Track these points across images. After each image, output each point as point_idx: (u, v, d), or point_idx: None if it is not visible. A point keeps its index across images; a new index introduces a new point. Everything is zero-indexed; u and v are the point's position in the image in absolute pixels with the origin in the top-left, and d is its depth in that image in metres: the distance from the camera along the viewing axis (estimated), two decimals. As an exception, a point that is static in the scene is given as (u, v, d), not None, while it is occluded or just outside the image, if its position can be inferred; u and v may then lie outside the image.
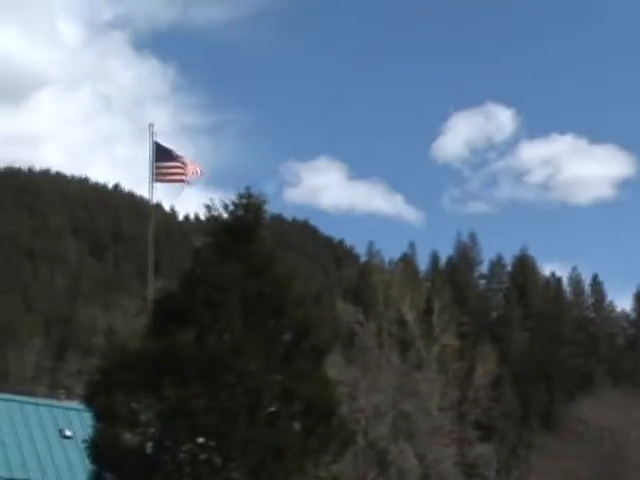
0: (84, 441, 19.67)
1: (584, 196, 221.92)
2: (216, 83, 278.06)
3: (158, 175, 28.03)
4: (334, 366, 55.98)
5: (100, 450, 18.94)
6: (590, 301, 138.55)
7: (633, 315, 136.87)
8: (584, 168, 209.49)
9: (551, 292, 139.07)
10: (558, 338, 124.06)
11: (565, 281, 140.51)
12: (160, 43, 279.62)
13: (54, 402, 33.54)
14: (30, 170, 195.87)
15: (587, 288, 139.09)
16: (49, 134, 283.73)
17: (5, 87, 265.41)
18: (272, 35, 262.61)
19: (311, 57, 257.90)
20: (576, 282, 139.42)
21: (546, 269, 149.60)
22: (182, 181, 28.80)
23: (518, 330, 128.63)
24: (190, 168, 28.17)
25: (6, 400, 28.97)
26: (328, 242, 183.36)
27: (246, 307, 19.05)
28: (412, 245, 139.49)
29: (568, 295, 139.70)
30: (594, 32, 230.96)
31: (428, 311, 71.33)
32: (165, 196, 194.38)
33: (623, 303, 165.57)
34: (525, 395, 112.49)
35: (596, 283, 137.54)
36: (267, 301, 19.31)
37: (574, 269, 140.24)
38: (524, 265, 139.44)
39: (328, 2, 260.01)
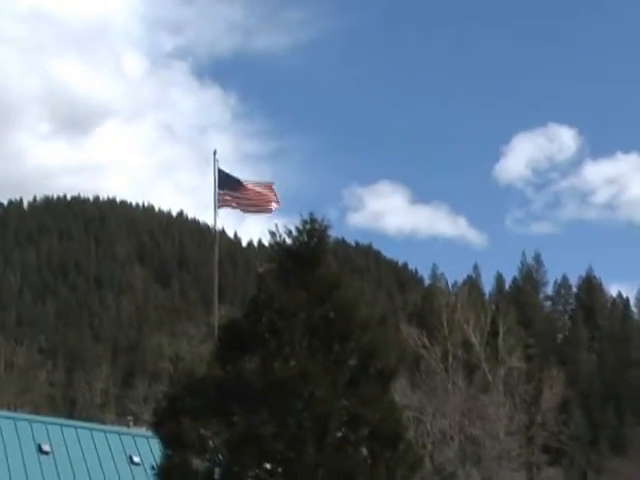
0: (152, 468, 19.77)
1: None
2: (277, 110, 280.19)
3: (222, 201, 28.17)
4: (400, 390, 55.84)
5: (168, 476, 19.02)
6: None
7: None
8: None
9: (618, 313, 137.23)
10: (626, 359, 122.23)
11: (632, 301, 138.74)
12: (221, 71, 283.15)
13: (122, 429, 33.82)
14: (96, 199, 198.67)
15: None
16: (114, 163, 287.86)
17: (71, 118, 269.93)
18: (331, 61, 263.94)
19: (371, 83, 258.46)
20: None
21: (612, 289, 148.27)
22: (249, 210, 28.82)
23: (585, 352, 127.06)
24: (265, 195, 28.17)
25: (76, 427, 29.29)
26: (392, 266, 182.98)
27: (311, 333, 19.06)
28: (476, 267, 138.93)
29: (636, 315, 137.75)
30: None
31: (493, 334, 70.77)
32: (229, 223, 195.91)
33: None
34: (594, 418, 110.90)
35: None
36: (332, 326, 19.29)
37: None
38: (590, 286, 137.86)
39: (386, 28, 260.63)
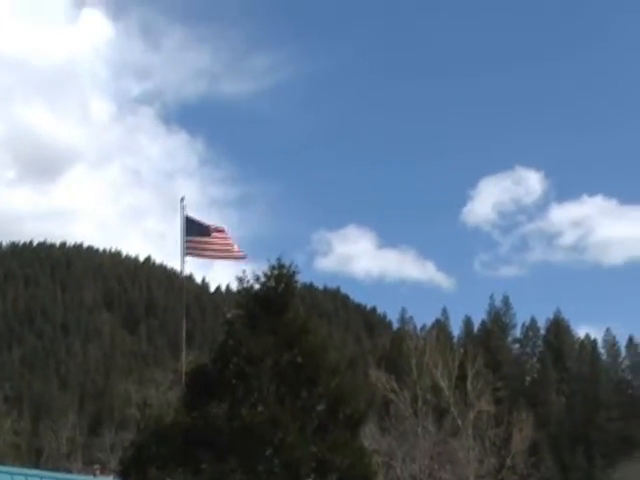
0: (119, 517, 19.55)
1: (616, 257, 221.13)
2: (243, 155, 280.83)
3: (190, 249, 28.13)
4: (369, 435, 55.57)
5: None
6: (626, 363, 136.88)
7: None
8: (615, 229, 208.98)
9: (586, 355, 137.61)
10: (595, 401, 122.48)
11: (600, 343, 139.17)
12: (188, 116, 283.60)
13: (89, 478, 33.47)
14: (63, 245, 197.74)
15: (623, 350, 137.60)
16: (81, 209, 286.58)
17: (37, 163, 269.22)
18: (296, 107, 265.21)
19: (336, 127, 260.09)
20: (611, 344, 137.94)
21: (580, 332, 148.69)
22: (216, 256, 28.79)
23: (554, 394, 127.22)
24: (229, 245, 28.18)
25: (41, 477, 28.94)
26: (360, 310, 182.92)
27: (279, 378, 18.99)
28: (444, 311, 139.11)
29: (604, 357, 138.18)
30: (619, 95, 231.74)
31: (462, 377, 70.70)
32: (197, 268, 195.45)
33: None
34: (564, 460, 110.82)
35: (632, 345, 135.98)
36: (300, 371, 19.23)
37: (609, 331, 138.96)
38: (558, 328, 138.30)
39: (351, 74, 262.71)
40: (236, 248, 28.37)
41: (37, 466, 67.38)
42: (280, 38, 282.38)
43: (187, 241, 28.01)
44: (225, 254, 28.43)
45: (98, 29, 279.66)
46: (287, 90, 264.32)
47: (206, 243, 27.99)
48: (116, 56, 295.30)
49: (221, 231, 28.50)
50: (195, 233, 28.00)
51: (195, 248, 28.04)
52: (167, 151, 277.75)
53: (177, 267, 29.98)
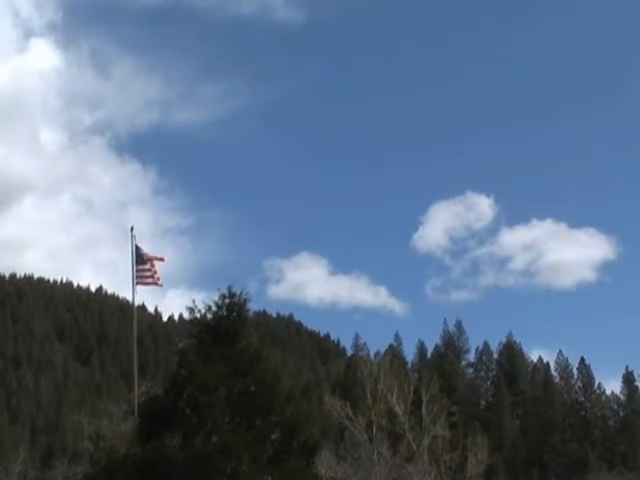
0: None
1: (567, 280, 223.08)
2: (196, 184, 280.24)
3: (138, 278, 28.12)
4: (325, 462, 55.38)
5: None
6: (579, 385, 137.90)
7: (623, 397, 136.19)
8: (565, 252, 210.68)
9: (539, 377, 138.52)
10: (549, 424, 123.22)
11: (552, 366, 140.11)
12: (140, 146, 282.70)
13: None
14: (12, 276, 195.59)
15: (575, 372, 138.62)
16: (31, 239, 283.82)
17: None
18: (248, 135, 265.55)
19: (288, 155, 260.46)
20: (563, 366, 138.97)
21: (533, 354, 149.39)
22: (155, 283, 28.87)
23: (509, 417, 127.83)
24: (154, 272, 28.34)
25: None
26: (314, 336, 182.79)
27: (233, 407, 18.92)
28: (397, 336, 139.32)
29: (557, 380, 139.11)
30: (564, 118, 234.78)
31: (417, 402, 70.84)
32: (149, 298, 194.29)
33: (612, 385, 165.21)
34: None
35: (583, 366, 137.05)
36: (254, 400, 19.18)
37: (560, 353, 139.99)
38: (511, 351, 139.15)
39: (302, 102, 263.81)
40: (156, 276, 28.51)
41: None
42: (231, 67, 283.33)
43: (138, 270, 27.98)
44: (150, 280, 28.56)
45: (48, 59, 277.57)
46: (239, 118, 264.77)
47: (146, 270, 28.08)
48: (67, 86, 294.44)
49: (160, 259, 28.58)
50: (141, 262, 28.06)
51: (141, 277, 28.08)
52: (119, 181, 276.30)
53: (129, 297, 29.95)
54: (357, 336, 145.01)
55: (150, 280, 28.48)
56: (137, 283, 27.93)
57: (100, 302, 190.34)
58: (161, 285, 28.98)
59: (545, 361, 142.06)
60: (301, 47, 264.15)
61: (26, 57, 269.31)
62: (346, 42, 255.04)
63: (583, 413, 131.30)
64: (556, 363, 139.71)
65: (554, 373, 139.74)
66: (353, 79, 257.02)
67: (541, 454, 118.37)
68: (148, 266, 28.20)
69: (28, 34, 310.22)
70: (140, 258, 28.21)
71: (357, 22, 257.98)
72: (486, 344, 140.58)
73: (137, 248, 28.26)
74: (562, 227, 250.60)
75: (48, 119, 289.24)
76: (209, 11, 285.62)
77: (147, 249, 28.85)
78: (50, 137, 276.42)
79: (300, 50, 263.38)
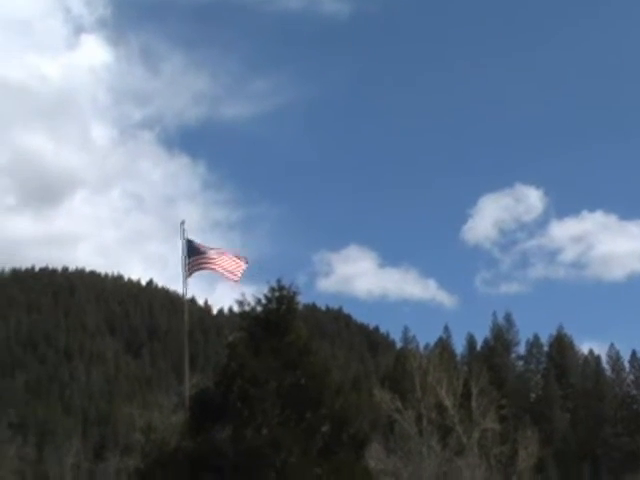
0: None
1: (618, 272, 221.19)
2: (245, 178, 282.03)
3: (192, 268, 28.10)
4: (374, 455, 55.37)
5: None
6: (630, 378, 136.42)
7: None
8: (616, 244, 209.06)
9: (590, 370, 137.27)
10: (600, 417, 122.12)
11: (604, 359, 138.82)
12: (189, 140, 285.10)
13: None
14: (65, 270, 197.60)
15: (626, 365, 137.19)
16: (83, 234, 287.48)
17: (40, 190, 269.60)
18: (296, 129, 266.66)
19: (337, 148, 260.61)
20: (615, 359, 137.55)
21: (584, 347, 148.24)
22: (215, 269, 28.59)
23: (559, 410, 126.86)
24: (229, 261, 28.00)
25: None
26: (363, 329, 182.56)
27: (283, 400, 18.97)
28: (447, 329, 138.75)
29: (608, 373, 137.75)
30: (618, 111, 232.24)
31: (466, 395, 70.49)
32: (199, 291, 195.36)
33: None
34: (570, 477, 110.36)
35: (635, 359, 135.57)
36: (304, 393, 19.21)
37: (612, 346, 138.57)
38: (561, 344, 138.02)
39: (350, 96, 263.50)
40: (238, 271, 28.17)
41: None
42: (278, 61, 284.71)
43: (188, 263, 28.00)
44: (226, 273, 28.25)
45: (98, 55, 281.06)
46: (287, 113, 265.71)
47: (206, 258, 27.96)
48: (116, 81, 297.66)
49: (222, 253, 28.42)
50: (196, 255, 28.01)
51: (197, 265, 27.96)
52: (169, 175, 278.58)
53: (179, 290, 30.03)
54: (406, 329, 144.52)
55: (207, 266, 28.22)
56: (189, 275, 27.91)
57: (150, 295, 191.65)
58: (234, 280, 28.42)
59: (596, 354, 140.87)
60: (347, 41, 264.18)
61: (77, 53, 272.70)
62: (392, 36, 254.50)
63: (635, 407, 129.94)
64: (607, 356, 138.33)
65: (605, 366, 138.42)
66: (399, 72, 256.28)
67: (593, 448, 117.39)
68: (208, 255, 28.05)
69: (79, 30, 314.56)
70: (196, 250, 28.15)
71: (403, 16, 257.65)
72: (536, 337, 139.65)
73: (189, 242, 28.26)
74: (612, 219, 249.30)
75: (98, 115, 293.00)
76: (256, 5, 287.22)
77: (200, 242, 28.78)
78: (100, 133, 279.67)
79: (346, 44, 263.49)
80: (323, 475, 18.58)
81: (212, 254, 28.08)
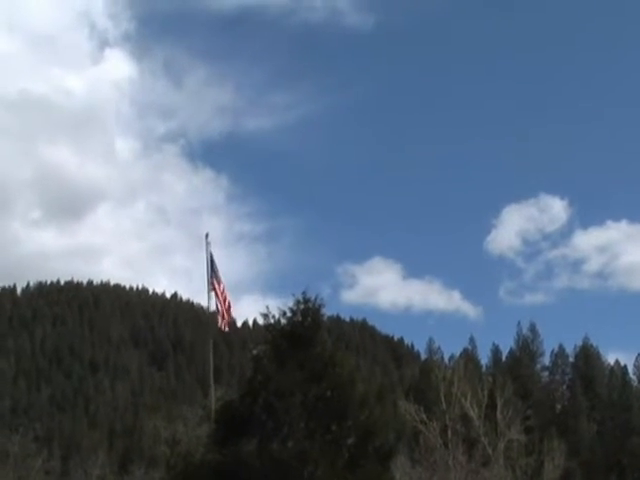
0: None
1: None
2: (269, 190, 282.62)
3: (214, 287, 28.14)
4: (400, 467, 55.27)
5: None
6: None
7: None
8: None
9: (617, 381, 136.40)
10: (627, 427, 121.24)
11: (630, 369, 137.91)
12: (212, 153, 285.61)
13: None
14: (89, 283, 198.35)
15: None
16: (107, 247, 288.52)
17: (63, 203, 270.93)
18: (319, 141, 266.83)
19: (359, 160, 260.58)
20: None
21: (610, 357, 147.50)
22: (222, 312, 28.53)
23: (585, 421, 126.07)
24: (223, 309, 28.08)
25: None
26: (387, 341, 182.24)
27: (308, 412, 18.97)
28: (472, 340, 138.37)
29: (635, 383, 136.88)
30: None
31: (492, 406, 70.28)
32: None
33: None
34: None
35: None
36: (329, 405, 19.21)
37: (639, 356, 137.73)
38: (587, 354, 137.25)
39: (371, 107, 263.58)
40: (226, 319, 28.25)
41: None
42: (301, 73, 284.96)
43: (212, 277, 28.04)
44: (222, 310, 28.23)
45: (122, 69, 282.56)
46: (310, 125, 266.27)
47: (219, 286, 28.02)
48: (140, 95, 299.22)
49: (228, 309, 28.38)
50: (217, 272, 28.07)
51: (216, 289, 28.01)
52: (192, 188, 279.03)
53: (204, 303, 30.09)
54: (431, 340, 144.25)
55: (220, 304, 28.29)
56: (213, 289, 27.95)
57: (175, 308, 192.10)
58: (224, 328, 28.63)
59: (622, 364, 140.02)
60: (371, 52, 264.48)
61: (101, 67, 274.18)
62: (415, 47, 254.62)
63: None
64: (634, 366, 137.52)
65: (632, 376, 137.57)
66: (422, 83, 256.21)
67: (620, 458, 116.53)
68: (220, 289, 28.13)
69: (103, 45, 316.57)
70: (216, 273, 28.19)
71: (427, 27, 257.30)
72: (561, 347, 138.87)
73: (212, 255, 28.33)
74: (637, 228, 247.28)
75: (122, 128, 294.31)
76: (279, 18, 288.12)
77: (221, 255, 28.85)
78: (124, 146, 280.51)
79: (370, 55, 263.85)
80: (350, 487, 18.56)
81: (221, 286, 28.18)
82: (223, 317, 27.88)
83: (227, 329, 28.58)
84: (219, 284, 27.99)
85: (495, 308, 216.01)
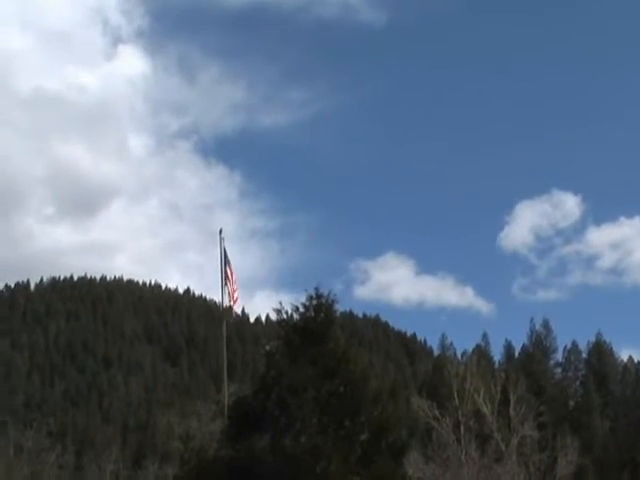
0: None
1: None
2: (282, 187, 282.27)
3: (228, 280, 28.22)
4: (413, 463, 55.23)
5: None
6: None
7: None
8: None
9: (630, 377, 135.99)
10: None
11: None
12: (226, 150, 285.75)
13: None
14: (103, 279, 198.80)
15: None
16: (121, 243, 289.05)
17: (76, 199, 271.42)
18: (333, 138, 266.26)
19: (373, 157, 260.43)
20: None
21: (623, 354, 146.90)
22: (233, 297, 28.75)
23: (598, 418, 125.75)
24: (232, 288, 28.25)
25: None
26: (400, 337, 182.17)
27: (321, 408, 19.00)
28: (485, 336, 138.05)
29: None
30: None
31: (505, 402, 70.18)
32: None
33: None
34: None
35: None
36: (342, 401, 19.23)
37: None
38: (600, 351, 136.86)
39: (385, 104, 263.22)
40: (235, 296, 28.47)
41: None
42: (315, 70, 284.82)
43: (226, 272, 28.10)
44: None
45: (136, 65, 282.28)
46: (324, 121, 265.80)
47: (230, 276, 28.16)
48: (154, 92, 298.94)
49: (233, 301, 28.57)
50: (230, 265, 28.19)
51: (230, 280, 28.13)
52: (206, 184, 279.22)
53: (217, 298, 30.14)
54: (444, 336, 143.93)
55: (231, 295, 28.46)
56: (226, 284, 28.06)
57: (188, 304, 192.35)
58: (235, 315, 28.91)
59: (636, 361, 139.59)
60: (384, 49, 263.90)
61: (115, 64, 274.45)
62: (429, 43, 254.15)
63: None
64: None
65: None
66: (434, 80, 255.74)
67: (633, 455, 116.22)
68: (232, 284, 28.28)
69: (116, 41, 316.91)
70: (228, 263, 28.33)
71: (440, 23, 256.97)
72: (574, 343, 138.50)
73: (225, 250, 28.41)
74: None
75: (136, 125, 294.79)
76: (293, 14, 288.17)
77: (234, 251, 29.00)
78: (138, 142, 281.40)
79: (383, 52, 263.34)
80: (363, 482, 18.59)
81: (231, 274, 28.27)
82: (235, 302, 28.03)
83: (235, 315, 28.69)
84: (232, 275, 28.12)
85: (508, 304, 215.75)
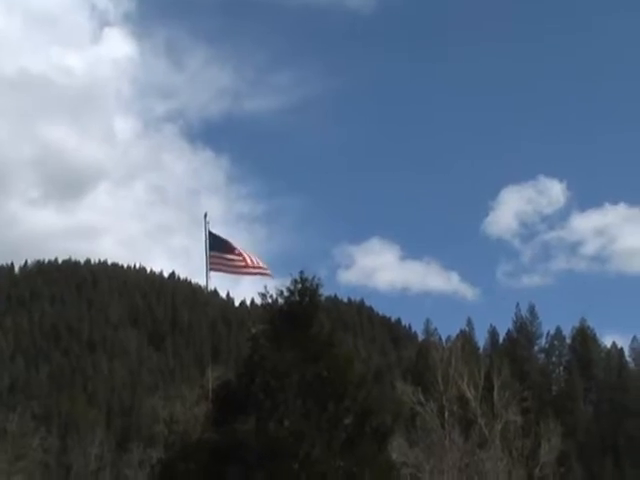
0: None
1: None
2: (268, 172, 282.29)
3: (214, 264, 28.06)
4: (397, 448, 55.37)
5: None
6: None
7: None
8: (639, 236, 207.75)
9: (613, 363, 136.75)
10: (624, 410, 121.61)
11: (627, 351, 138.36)
12: (212, 134, 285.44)
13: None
14: (87, 262, 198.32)
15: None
16: (106, 226, 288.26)
17: (62, 182, 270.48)
18: (320, 122, 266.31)
19: (359, 142, 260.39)
20: (638, 352, 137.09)
21: (607, 340, 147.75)
22: (241, 272, 28.55)
23: (582, 403, 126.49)
24: (250, 261, 27.89)
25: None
26: (385, 322, 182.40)
27: (305, 392, 19.01)
28: (469, 321, 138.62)
29: (631, 365, 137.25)
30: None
31: (489, 388, 70.38)
32: (221, 283, 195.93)
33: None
34: (593, 470, 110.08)
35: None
36: (326, 385, 19.25)
37: (635, 339, 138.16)
38: (584, 337, 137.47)
39: (373, 89, 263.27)
40: (264, 265, 28.13)
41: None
42: (302, 55, 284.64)
43: (211, 256, 27.97)
44: (255, 270, 28.08)
45: (123, 48, 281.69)
46: (311, 106, 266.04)
47: (230, 260, 27.87)
48: (140, 75, 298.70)
49: (265, 274, 28.07)
50: (219, 249, 27.91)
51: (219, 264, 27.94)
52: (192, 168, 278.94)
53: (202, 282, 30.07)
54: (428, 321, 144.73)
55: (233, 269, 28.16)
56: (212, 269, 27.88)
57: (173, 287, 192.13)
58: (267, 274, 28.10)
59: (619, 346, 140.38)
60: (372, 34, 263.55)
61: (101, 47, 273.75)
62: (416, 30, 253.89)
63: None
64: (630, 348, 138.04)
65: (628, 359, 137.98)
66: (423, 66, 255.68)
67: (616, 440, 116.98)
68: (231, 256, 27.96)
69: (103, 24, 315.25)
70: (222, 246, 28.06)
71: (427, 10, 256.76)
72: (558, 329, 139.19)
73: (211, 234, 28.22)
74: (635, 211, 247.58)
75: (122, 108, 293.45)
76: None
77: (222, 236, 28.71)
78: (124, 126, 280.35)
79: (371, 37, 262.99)
80: (346, 467, 18.62)
81: (235, 253, 27.94)
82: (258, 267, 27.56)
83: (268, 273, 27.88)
84: (233, 250, 27.78)
85: (493, 290, 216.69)
